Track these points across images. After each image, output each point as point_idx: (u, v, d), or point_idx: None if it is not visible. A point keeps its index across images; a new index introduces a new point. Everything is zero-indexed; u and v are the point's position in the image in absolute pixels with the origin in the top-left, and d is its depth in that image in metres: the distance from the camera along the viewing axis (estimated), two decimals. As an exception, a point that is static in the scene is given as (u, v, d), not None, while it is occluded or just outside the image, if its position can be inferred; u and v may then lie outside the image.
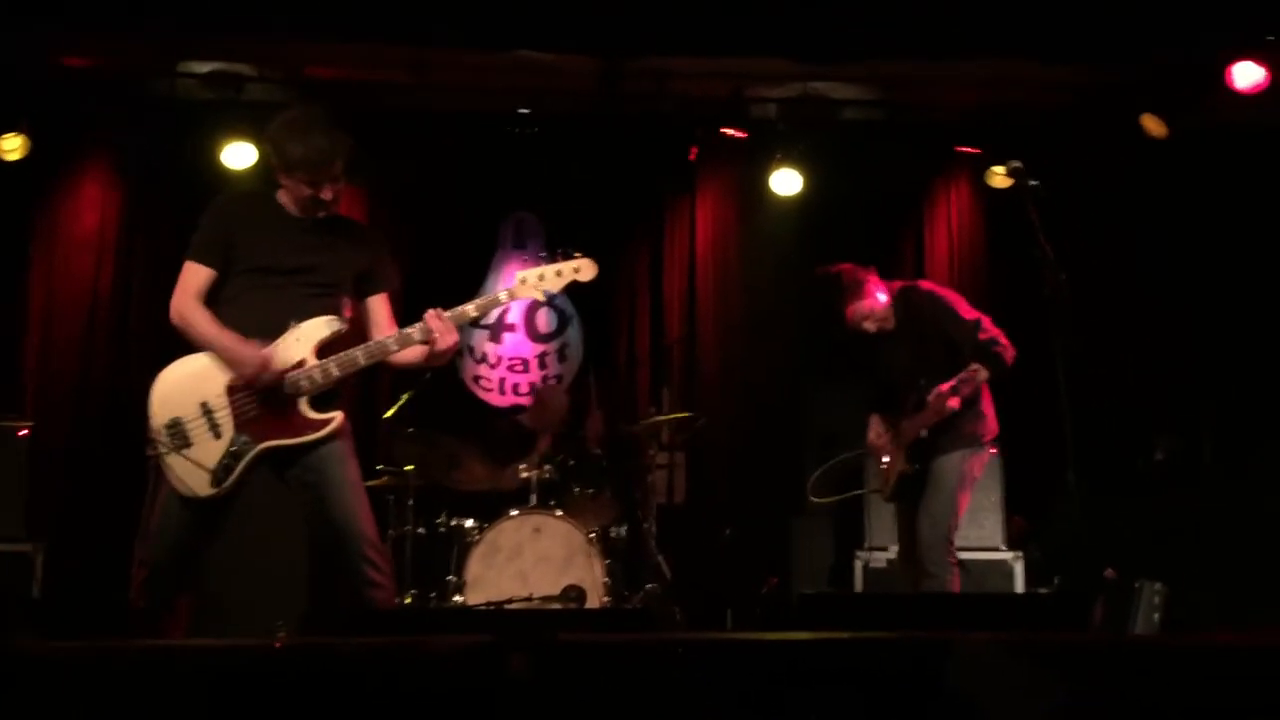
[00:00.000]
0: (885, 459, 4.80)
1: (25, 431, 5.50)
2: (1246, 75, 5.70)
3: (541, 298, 3.76)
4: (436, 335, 3.65)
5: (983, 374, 4.52)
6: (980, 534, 5.71)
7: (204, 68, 6.34)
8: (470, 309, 3.78)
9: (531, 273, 3.75)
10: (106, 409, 6.28)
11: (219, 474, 3.54)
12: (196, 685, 2.26)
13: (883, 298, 4.67)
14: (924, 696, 2.34)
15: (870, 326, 4.67)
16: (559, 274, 3.75)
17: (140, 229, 6.59)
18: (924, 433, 4.55)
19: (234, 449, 3.55)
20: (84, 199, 6.54)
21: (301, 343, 3.59)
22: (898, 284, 4.79)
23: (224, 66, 6.32)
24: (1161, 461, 6.08)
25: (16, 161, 6.22)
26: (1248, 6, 5.48)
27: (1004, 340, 4.55)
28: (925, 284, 4.86)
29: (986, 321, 4.59)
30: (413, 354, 3.73)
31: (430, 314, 3.68)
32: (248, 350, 3.52)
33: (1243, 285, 6.51)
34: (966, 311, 4.62)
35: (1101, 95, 6.39)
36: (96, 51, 6.18)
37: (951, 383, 4.45)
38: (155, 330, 6.47)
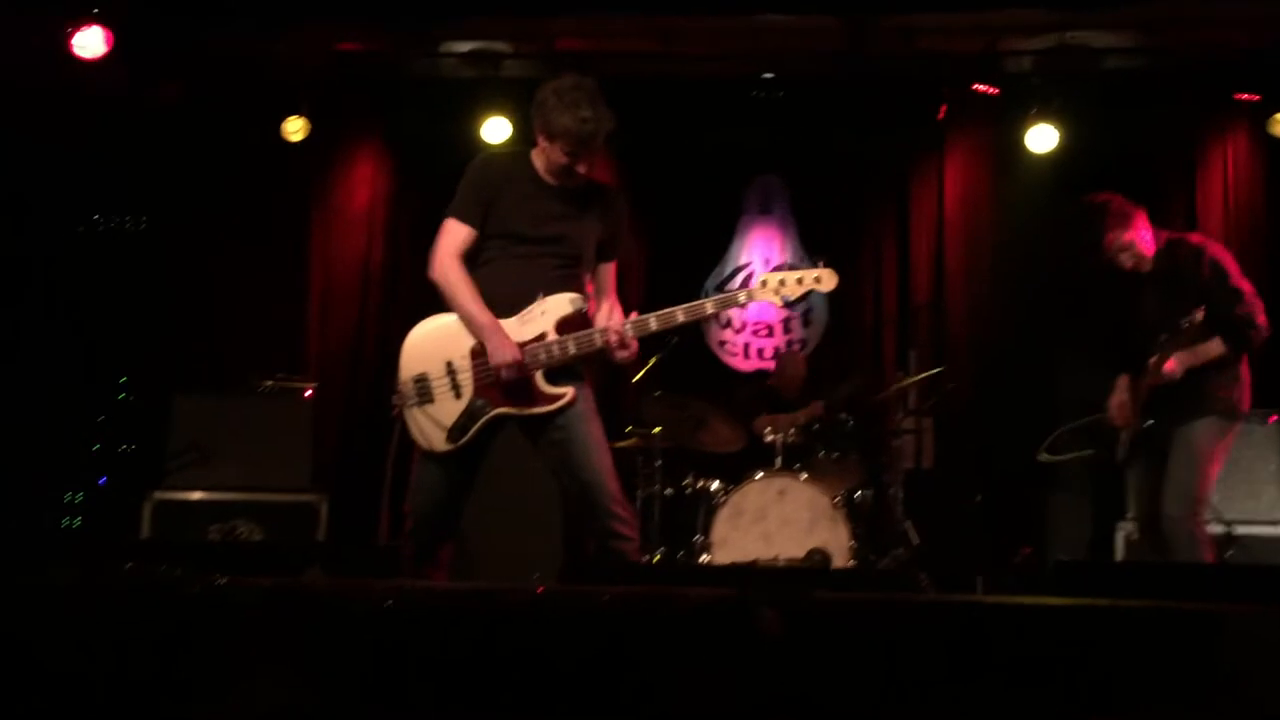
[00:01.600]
0: (1122, 421, 4.54)
1: (310, 392, 5.96)
2: None
3: (779, 303, 3.73)
4: (611, 347, 3.66)
5: (1216, 349, 4.21)
6: (1257, 506, 5.37)
7: (464, 47, 6.65)
8: (708, 305, 3.79)
9: (773, 276, 3.72)
10: (378, 372, 6.72)
11: (454, 432, 3.69)
12: (462, 625, 2.43)
13: (1148, 236, 4.41)
14: (1190, 671, 2.25)
15: (1127, 261, 4.39)
16: (800, 281, 3.71)
17: (407, 204, 6.99)
18: (1158, 382, 4.27)
19: (471, 410, 3.69)
20: (357, 177, 7.00)
21: (546, 316, 3.69)
22: (1170, 234, 4.52)
23: (482, 45, 6.61)
24: None
25: (299, 143, 6.71)
26: None
27: (1261, 320, 4.21)
28: (1199, 237, 4.53)
29: (1250, 294, 4.24)
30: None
31: (613, 327, 3.66)
32: (502, 340, 3.64)
33: None
34: (1235, 278, 4.28)
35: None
36: (366, 36, 6.58)
37: (1180, 355, 4.19)
38: (421, 300, 6.89)
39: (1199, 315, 4.10)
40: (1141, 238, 4.38)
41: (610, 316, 3.80)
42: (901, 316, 6.81)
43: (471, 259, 3.78)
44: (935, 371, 5.95)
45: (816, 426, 5.84)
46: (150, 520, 5.50)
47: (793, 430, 5.79)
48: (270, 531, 5.46)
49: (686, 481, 5.79)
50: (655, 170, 6.97)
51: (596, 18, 6.21)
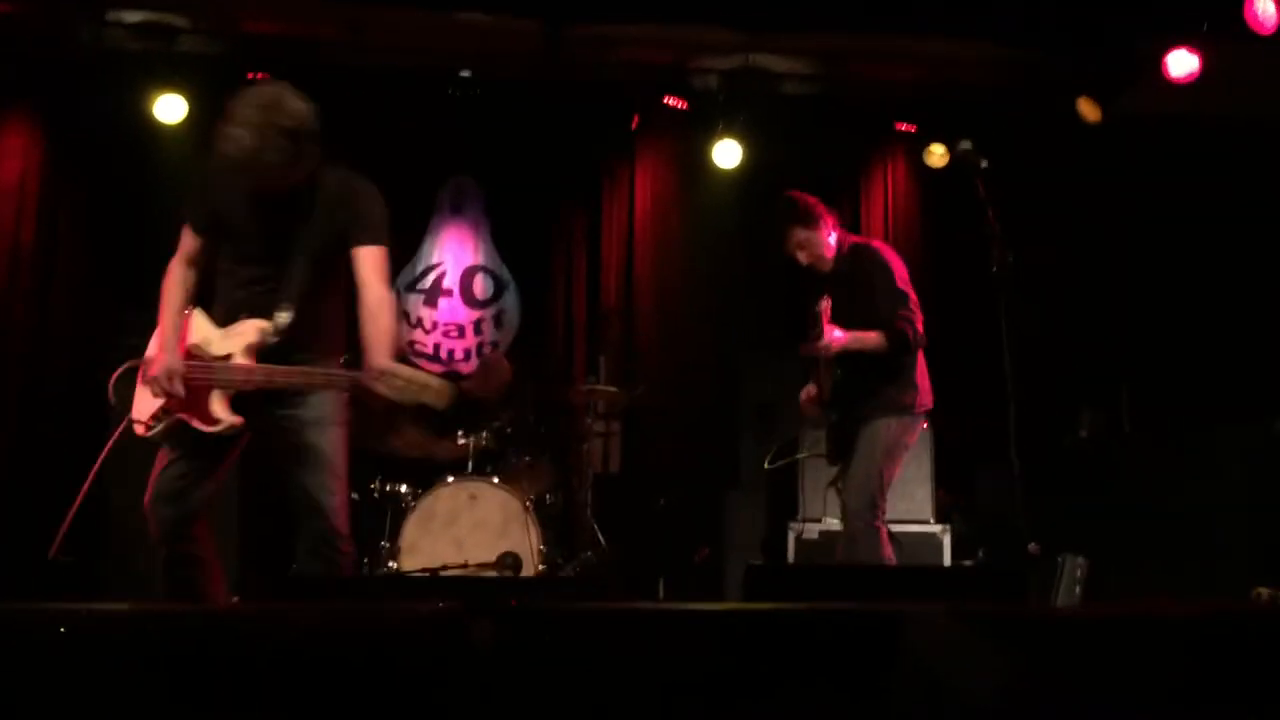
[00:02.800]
0: (808, 413, 4.80)
1: None
2: (1181, 64, 5.81)
3: (388, 393, 3.42)
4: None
5: (875, 340, 4.48)
6: (910, 506, 5.80)
7: (134, 17, 6.15)
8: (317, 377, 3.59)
9: (399, 373, 3.43)
10: (30, 360, 6.14)
11: (151, 422, 3.59)
12: (137, 651, 2.21)
13: (831, 240, 4.66)
14: (877, 668, 2.38)
15: (803, 258, 4.62)
16: (418, 386, 3.43)
17: (66, 181, 6.39)
18: (837, 373, 4.53)
19: (162, 407, 3.56)
20: (5, 148, 6.33)
21: (234, 340, 3.54)
22: (856, 238, 4.80)
23: (155, 17, 6.14)
24: (1086, 438, 6.23)
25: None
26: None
27: (919, 327, 4.51)
28: (880, 244, 4.82)
29: (914, 302, 4.55)
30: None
31: (372, 373, 3.46)
32: (164, 356, 3.53)
33: (1169, 268, 6.69)
34: (902, 282, 4.59)
35: (1038, 78, 6.49)
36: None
37: (839, 334, 4.44)
38: (81, 280, 6.35)
39: (825, 303, 4.38)
40: (823, 239, 4.63)
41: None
42: (592, 321, 6.90)
43: (212, 266, 3.66)
44: (616, 388, 6.04)
45: (508, 431, 5.81)
46: None
47: (484, 434, 5.73)
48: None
49: (374, 486, 5.61)
50: (346, 163, 6.71)
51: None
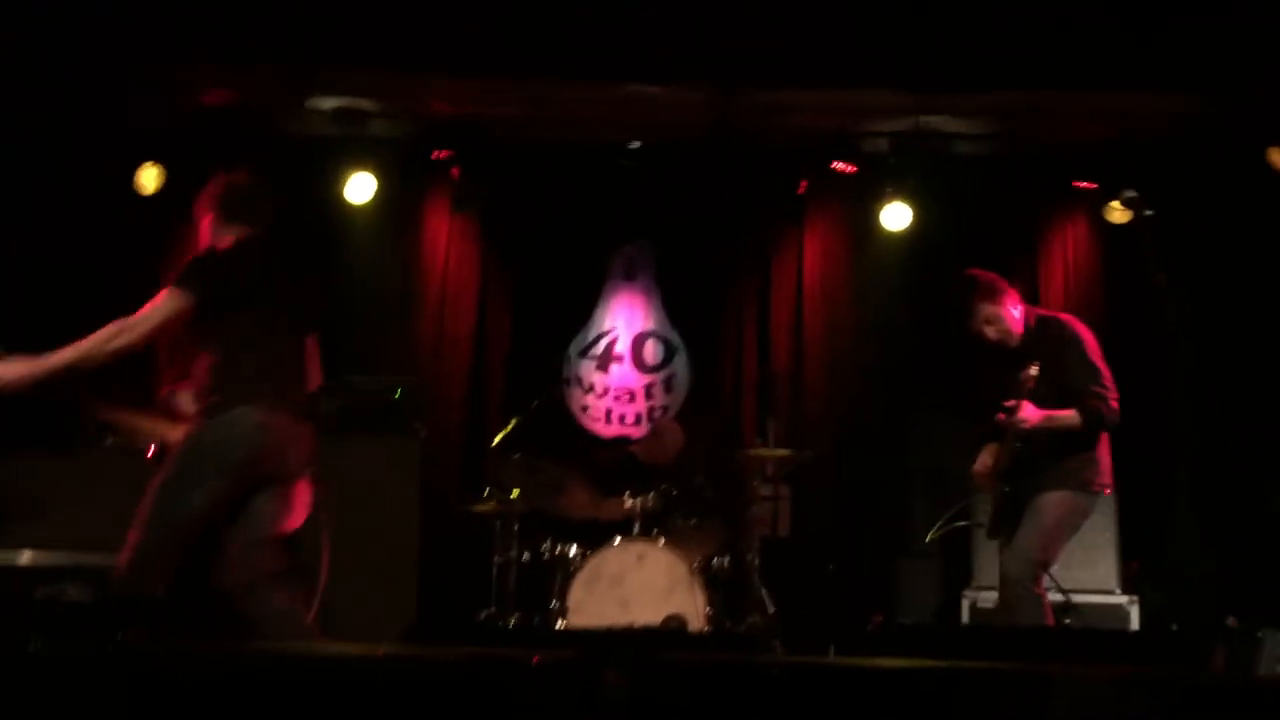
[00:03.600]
0: (982, 484, 4.71)
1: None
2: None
3: None
4: None
5: (1070, 419, 4.40)
6: (1094, 576, 5.57)
7: (329, 104, 6.59)
8: None
9: None
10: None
11: None
12: (300, 690, 2.34)
13: (1016, 313, 4.60)
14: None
15: (991, 334, 4.57)
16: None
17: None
18: (1018, 445, 4.43)
19: None
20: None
21: None
22: (1043, 311, 4.71)
23: (349, 102, 6.56)
24: (1283, 506, 5.85)
25: (154, 195, 6.51)
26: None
27: (1114, 401, 4.41)
28: (1068, 317, 4.72)
29: (1107, 377, 4.46)
30: None
31: None
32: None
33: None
34: (1095, 356, 4.50)
35: (1218, 127, 6.22)
36: (229, 87, 6.45)
37: (1034, 411, 4.35)
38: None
39: (1033, 370, 4.28)
40: (1009, 313, 4.57)
41: None
42: (761, 384, 6.91)
43: None
44: (787, 451, 6.01)
45: (675, 493, 5.86)
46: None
47: (652, 496, 5.80)
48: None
49: (544, 546, 5.74)
50: (521, 235, 7.00)
51: (467, 79, 6.22)
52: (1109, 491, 4.61)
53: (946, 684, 2.54)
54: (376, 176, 6.57)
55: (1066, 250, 6.87)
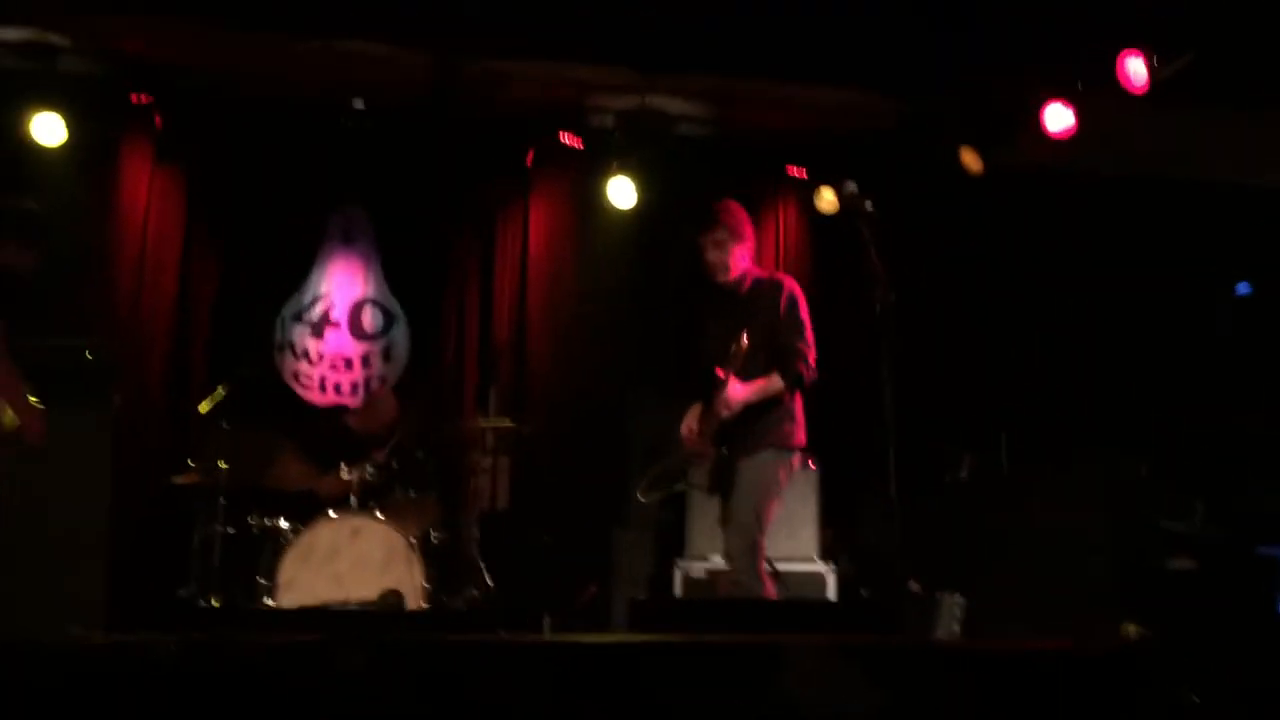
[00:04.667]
0: (693, 445, 4.82)
1: None
2: (1058, 119, 6.04)
3: None
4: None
5: (776, 385, 4.60)
6: (794, 545, 5.86)
7: (14, 35, 5.97)
8: None
9: None
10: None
11: None
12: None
13: (743, 255, 4.75)
14: (754, 699, 2.39)
15: (712, 257, 4.71)
16: None
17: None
18: (725, 413, 4.58)
19: None
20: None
21: None
22: (762, 272, 4.86)
23: (36, 35, 5.96)
24: (966, 478, 6.37)
25: None
26: (1065, 52, 5.83)
27: (812, 360, 4.64)
28: (784, 276, 4.90)
29: (810, 335, 4.68)
30: None
31: None
32: None
33: (1044, 315, 6.93)
34: (803, 313, 4.70)
35: (923, 126, 6.68)
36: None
37: (741, 386, 4.53)
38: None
39: (745, 340, 4.45)
40: (736, 252, 4.73)
41: None
42: (482, 356, 6.85)
43: None
44: (508, 422, 5.99)
45: (394, 465, 5.72)
46: None
47: (368, 469, 5.63)
48: None
49: (252, 520, 5.47)
50: (233, 190, 6.61)
51: (169, 19, 5.78)
52: (804, 446, 4.80)
53: (661, 657, 2.60)
54: (66, 118, 6.03)
55: (778, 234, 7.19)
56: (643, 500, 4.99)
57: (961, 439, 6.41)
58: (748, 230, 4.80)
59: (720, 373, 4.54)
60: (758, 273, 4.86)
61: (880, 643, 2.93)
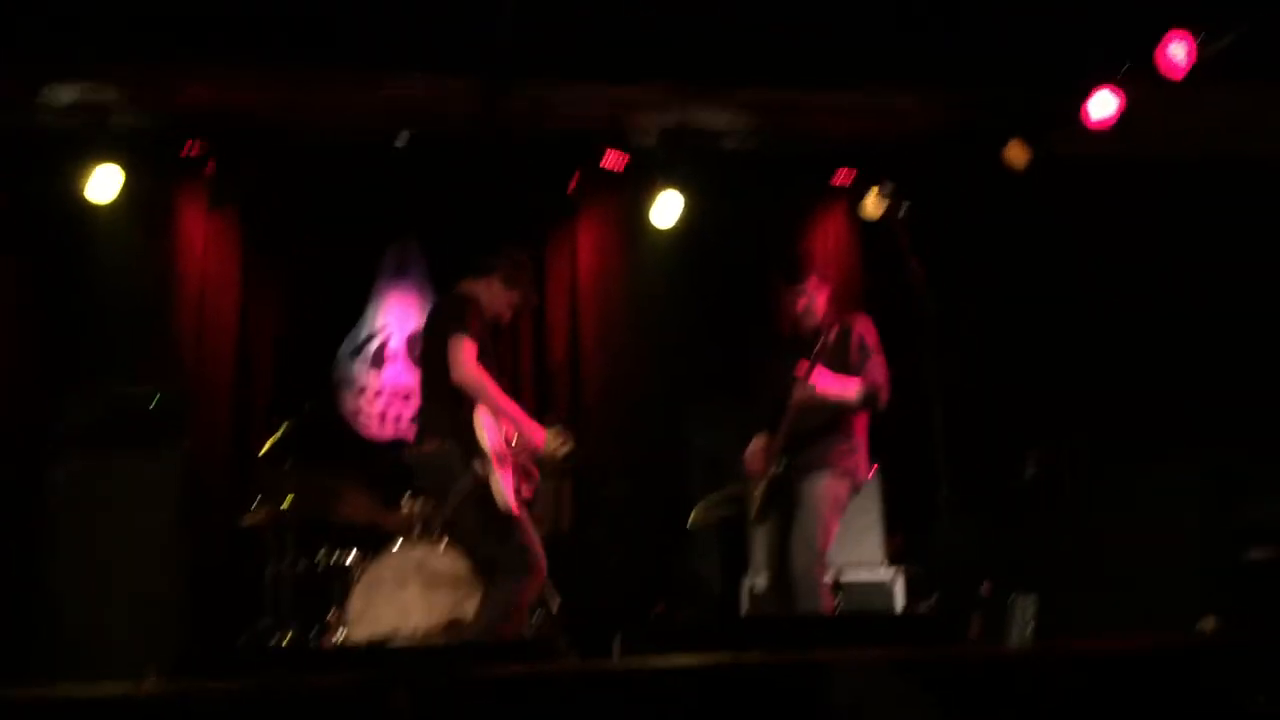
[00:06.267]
0: (755, 469, 4.85)
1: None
2: (1101, 108, 5.95)
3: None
4: None
5: (854, 388, 4.64)
6: (860, 551, 5.82)
7: (67, 96, 6.13)
8: None
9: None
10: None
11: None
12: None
13: (823, 302, 4.83)
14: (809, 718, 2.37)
15: (799, 304, 4.79)
16: None
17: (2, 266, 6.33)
18: (803, 395, 4.61)
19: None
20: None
21: None
22: (848, 315, 4.88)
23: (90, 94, 6.13)
24: (1032, 478, 6.28)
25: None
26: (1106, 44, 5.74)
27: (885, 392, 4.69)
28: (864, 320, 4.91)
29: (883, 363, 4.72)
30: None
31: None
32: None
33: (1102, 310, 6.79)
34: (875, 345, 4.75)
35: (968, 124, 6.60)
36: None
37: (826, 376, 4.56)
38: (16, 366, 6.26)
39: (804, 366, 4.47)
40: (822, 298, 4.83)
41: None
42: (538, 381, 6.89)
43: None
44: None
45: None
46: None
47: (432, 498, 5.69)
48: None
49: (320, 555, 5.55)
50: (285, 232, 6.73)
51: (216, 67, 5.91)
52: (864, 478, 4.84)
53: (730, 678, 2.59)
54: (123, 172, 6.18)
55: (827, 244, 7.14)
56: (691, 528, 5.01)
57: (1029, 438, 6.32)
58: (829, 277, 4.91)
59: (804, 364, 4.55)
60: (834, 315, 4.90)
61: (943, 655, 2.89)
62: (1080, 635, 5.12)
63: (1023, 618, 5.40)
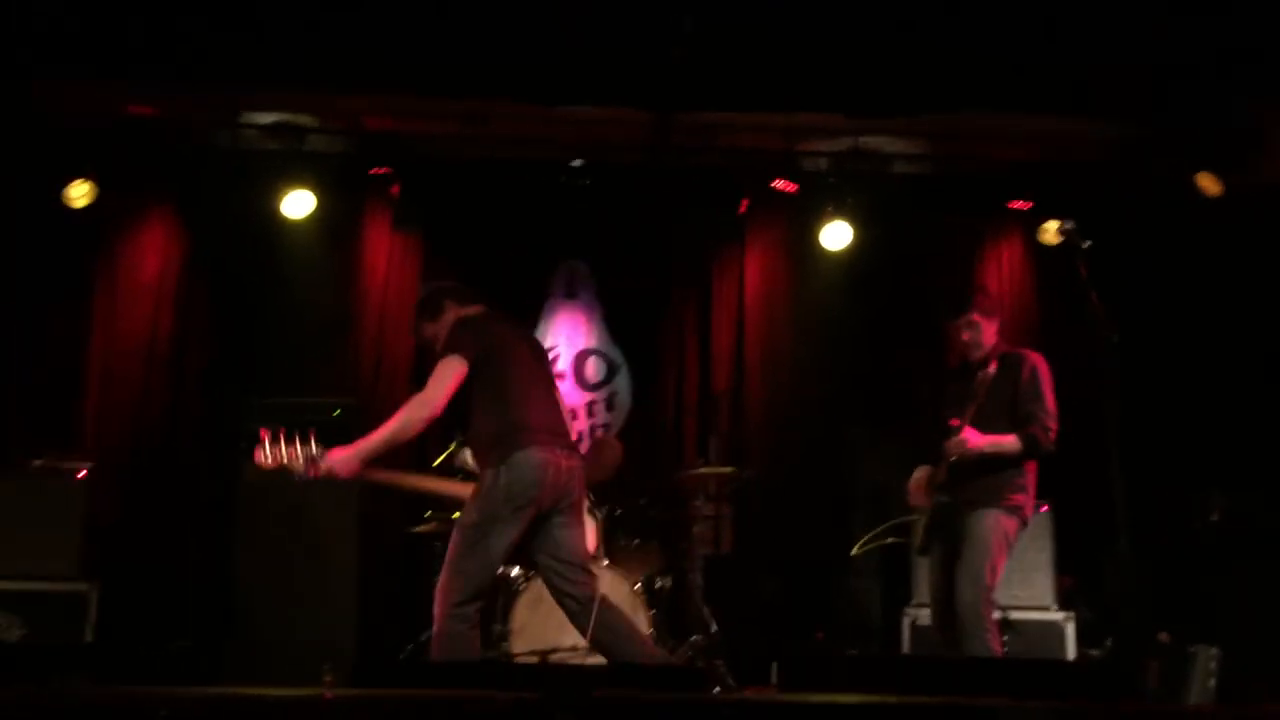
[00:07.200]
0: (917, 501, 4.78)
1: (84, 473, 5.60)
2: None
3: None
4: None
5: (1012, 445, 4.53)
6: (1031, 593, 5.63)
7: (266, 119, 6.50)
8: None
9: None
10: (161, 453, 6.41)
11: None
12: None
13: (993, 332, 4.74)
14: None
15: (966, 335, 4.70)
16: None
17: (200, 277, 6.73)
18: (955, 455, 4.53)
19: None
20: (146, 245, 6.69)
21: None
22: (1008, 348, 4.80)
23: (286, 118, 6.47)
24: (1216, 522, 5.98)
25: (84, 208, 6.38)
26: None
27: (1054, 434, 4.55)
28: (1037, 355, 4.81)
29: (1053, 408, 4.59)
30: None
31: None
32: None
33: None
34: (1046, 386, 4.63)
35: (1150, 152, 6.36)
36: (162, 102, 6.34)
37: (978, 434, 4.46)
38: (210, 372, 6.64)
39: (980, 397, 4.37)
40: (989, 329, 4.72)
41: None
42: (702, 404, 6.92)
43: None
44: (729, 469, 6.02)
45: (618, 513, 5.83)
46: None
47: (595, 517, 5.76)
48: (32, 625, 5.07)
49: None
50: (461, 252, 6.94)
51: (402, 98, 6.17)
52: (1029, 516, 4.71)
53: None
54: (315, 192, 6.49)
55: (1001, 269, 6.97)
56: (854, 554, 4.94)
57: (1211, 483, 6.02)
58: (997, 308, 4.81)
59: (955, 421, 4.48)
60: (1004, 347, 4.78)
61: (1116, 711, 2.78)
62: (1269, 695, 4.85)
63: (1204, 671, 5.14)
